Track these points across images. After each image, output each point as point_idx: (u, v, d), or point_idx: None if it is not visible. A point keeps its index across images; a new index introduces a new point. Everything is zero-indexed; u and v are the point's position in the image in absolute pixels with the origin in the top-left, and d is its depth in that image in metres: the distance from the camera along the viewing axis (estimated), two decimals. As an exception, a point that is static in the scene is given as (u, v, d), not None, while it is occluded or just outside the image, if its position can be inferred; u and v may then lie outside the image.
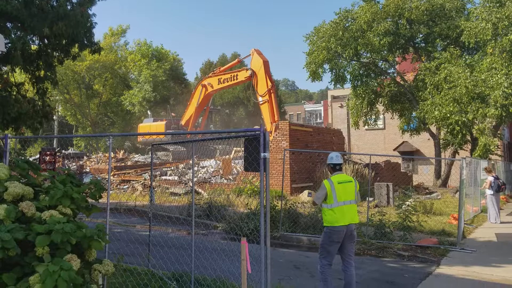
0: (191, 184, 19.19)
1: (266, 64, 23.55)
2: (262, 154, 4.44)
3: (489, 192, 14.37)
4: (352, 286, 6.16)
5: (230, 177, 22.29)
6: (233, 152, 25.74)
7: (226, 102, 46.89)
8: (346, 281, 6.18)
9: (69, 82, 47.83)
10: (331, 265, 6.22)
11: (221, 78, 26.81)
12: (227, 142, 25.19)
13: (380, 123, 34.11)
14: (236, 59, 26.97)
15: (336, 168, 6.41)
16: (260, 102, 23.45)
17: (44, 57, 11.50)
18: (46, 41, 11.21)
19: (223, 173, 22.96)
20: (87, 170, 26.71)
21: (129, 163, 29.02)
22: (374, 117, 29.03)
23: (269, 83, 23.10)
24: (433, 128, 26.25)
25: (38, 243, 3.42)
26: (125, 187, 22.47)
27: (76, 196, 4.08)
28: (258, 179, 4.78)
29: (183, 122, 29.68)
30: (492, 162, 16.90)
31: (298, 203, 14.04)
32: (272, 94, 23.09)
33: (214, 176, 22.95)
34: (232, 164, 23.84)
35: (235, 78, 25.85)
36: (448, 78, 20.88)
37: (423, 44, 26.47)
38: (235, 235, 10.43)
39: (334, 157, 6.45)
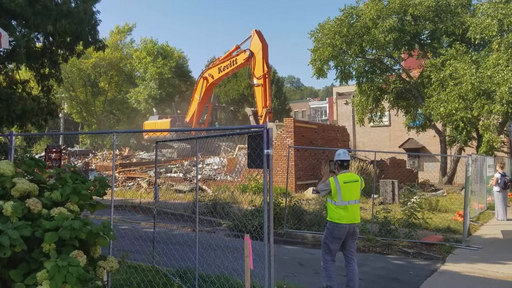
0: (195, 181, 19.24)
1: (265, 48, 23.56)
2: (265, 151, 4.44)
3: (496, 189, 14.29)
4: (355, 282, 6.17)
5: (233, 174, 22.31)
6: (237, 149, 25.75)
7: (231, 99, 46.88)
8: (349, 277, 6.20)
9: (74, 79, 48.03)
10: (334, 261, 6.24)
11: (221, 66, 26.79)
12: (232, 139, 25.23)
13: (385, 120, 33.97)
14: (234, 46, 26.85)
15: (343, 165, 6.41)
16: (255, 85, 23.65)
17: (49, 55, 11.52)
18: (50, 38, 11.23)
19: (227, 170, 23.00)
20: (93, 167, 26.83)
21: (134, 160, 29.14)
22: (379, 114, 28.95)
23: (266, 68, 23.19)
24: (439, 125, 26.13)
25: (46, 240, 3.45)
26: (130, 184, 22.55)
27: (84, 192, 4.12)
28: (262, 176, 4.79)
29: (187, 119, 29.70)
30: (504, 162, 16.76)
31: (303, 200, 14.02)
32: (267, 79, 23.22)
33: (219, 173, 22.99)
34: (238, 160, 23.87)
35: (234, 62, 25.78)
36: (453, 74, 20.77)
37: (429, 41, 26.33)
38: (239, 232, 10.45)
39: (342, 153, 6.46)
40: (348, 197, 6.13)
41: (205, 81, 27.73)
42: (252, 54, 23.87)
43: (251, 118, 26.30)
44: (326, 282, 6.14)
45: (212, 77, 27.34)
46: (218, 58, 28.42)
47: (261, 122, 23.85)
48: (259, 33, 24.11)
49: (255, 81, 23.66)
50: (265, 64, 23.26)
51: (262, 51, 23.38)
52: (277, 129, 21.23)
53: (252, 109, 26.98)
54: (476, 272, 7.79)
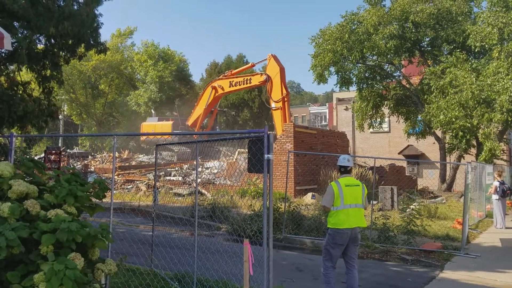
0: (195, 185, 19.21)
1: (282, 71, 23.64)
2: (265, 156, 4.44)
3: (495, 197, 14.29)
4: (355, 289, 6.14)
5: (233, 179, 22.28)
6: (237, 153, 25.72)
7: (231, 103, 46.94)
8: (349, 283, 6.17)
9: (75, 81, 48.06)
10: (334, 268, 6.20)
11: (232, 81, 26.77)
12: (231, 144, 25.23)
13: (385, 126, 34.01)
14: (250, 63, 26.74)
15: (345, 170, 6.42)
16: (273, 108, 23.55)
17: (50, 57, 11.54)
18: (52, 40, 11.26)
19: (226, 174, 22.98)
20: (92, 169, 26.80)
21: (133, 163, 29.13)
22: (379, 120, 28.99)
23: (284, 91, 23.21)
24: (439, 132, 26.16)
25: (43, 242, 3.43)
26: (129, 187, 22.52)
27: (80, 194, 4.09)
28: (262, 180, 4.79)
29: (189, 123, 29.69)
30: (502, 170, 16.76)
31: (302, 205, 14.02)
32: (286, 102, 23.17)
33: (218, 177, 22.95)
34: (238, 164, 23.85)
35: (248, 81, 25.81)
36: (453, 82, 20.79)
37: (429, 48, 26.40)
38: (238, 236, 10.43)
39: (344, 159, 6.47)
40: (349, 200, 6.11)
41: (214, 90, 27.71)
42: (268, 78, 23.90)
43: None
44: (325, 289, 6.12)
45: (222, 89, 27.33)
46: (231, 71, 28.41)
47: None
48: (275, 57, 24.23)
49: (273, 104, 23.55)
50: (283, 87, 23.28)
51: (280, 74, 23.42)
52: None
53: (272, 132, 26.84)
54: (475, 280, 7.77)
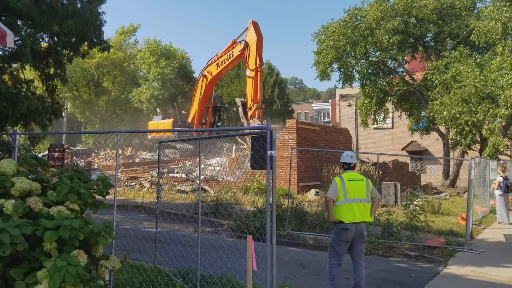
0: (198, 182, 19.22)
1: (260, 40, 23.44)
2: (268, 152, 4.43)
3: (498, 192, 14.26)
4: (362, 287, 6.11)
5: (236, 175, 22.28)
6: (234, 148, 25.69)
7: (233, 100, 46.91)
8: (356, 281, 6.13)
9: (78, 79, 48.12)
10: (340, 265, 6.17)
11: (218, 62, 26.65)
12: (235, 140, 25.24)
13: (388, 122, 33.93)
14: (231, 41, 26.50)
15: (348, 167, 6.41)
16: (247, 76, 23.63)
17: (54, 55, 11.54)
18: (55, 38, 11.27)
19: (229, 170, 22.99)
20: (95, 166, 26.88)
21: (136, 160, 29.20)
22: (383, 115, 28.91)
23: (258, 62, 23.14)
24: (442, 128, 26.07)
25: (46, 239, 3.44)
26: (132, 184, 22.57)
27: (83, 191, 4.10)
28: (265, 177, 4.79)
29: (189, 120, 29.67)
30: (506, 165, 16.71)
31: (305, 201, 14.04)
32: (259, 73, 23.19)
33: (220, 174, 22.97)
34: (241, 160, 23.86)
35: (231, 55, 25.59)
36: (457, 77, 20.69)
37: (433, 43, 26.29)
38: (241, 233, 10.45)
39: (347, 156, 6.46)
40: (353, 195, 6.08)
41: (205, 79, 27.62)
42: (247, 45, 23.72)
43: (240, 109, 26.16)
44: (329, 287, 6.10)
45: (211, 74, 27.17)
46: (216, 55, 28.27)
47: (249, 114, 23.85)
48: (255, 25, 23.88)
49: (248, 72, 23.65)
50: (258, 58, 23.16)
51: (257, 43, 23.22)
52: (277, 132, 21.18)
53: (242, 99, 26.77)
54: (479, 276, 7.77)
